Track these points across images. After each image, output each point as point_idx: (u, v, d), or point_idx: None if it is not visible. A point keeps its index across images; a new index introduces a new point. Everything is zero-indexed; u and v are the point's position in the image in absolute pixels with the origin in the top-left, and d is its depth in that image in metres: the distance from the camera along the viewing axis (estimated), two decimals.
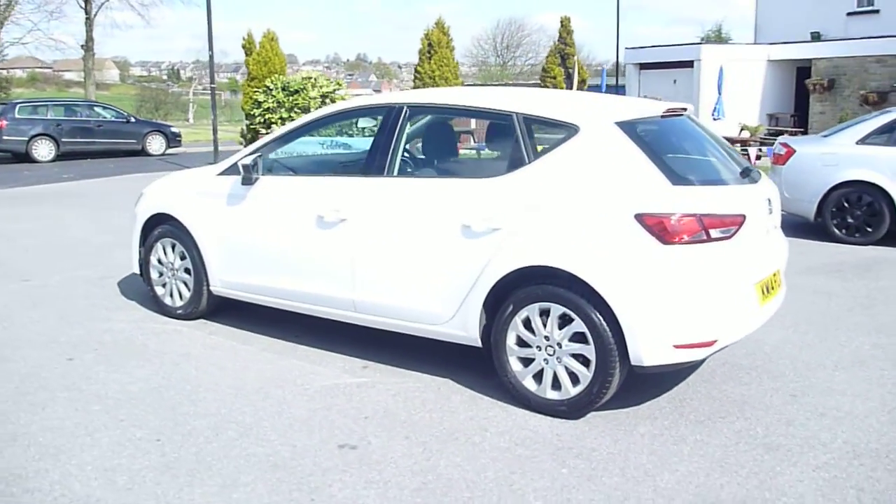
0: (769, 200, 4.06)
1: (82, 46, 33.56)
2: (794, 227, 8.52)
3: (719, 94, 18.54)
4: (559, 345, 3.71)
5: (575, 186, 3.69)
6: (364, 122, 6.73)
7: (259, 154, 4.73)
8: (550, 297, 3.69)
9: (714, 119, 18.96)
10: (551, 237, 3.67)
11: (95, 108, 21.35)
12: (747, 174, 4.02)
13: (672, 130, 4.05)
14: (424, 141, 4.64)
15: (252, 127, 17.11)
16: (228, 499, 3.03)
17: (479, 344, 4.00)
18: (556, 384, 3.75)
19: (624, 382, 3.73)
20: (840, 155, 8.22)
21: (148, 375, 4.32)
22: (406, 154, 4.45)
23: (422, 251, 4.05)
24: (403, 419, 3.76)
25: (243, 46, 18.52)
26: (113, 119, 21.10)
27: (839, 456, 3.39)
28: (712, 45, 26.12)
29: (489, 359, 4.00)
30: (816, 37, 22.06)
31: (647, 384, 4.09)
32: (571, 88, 20.90)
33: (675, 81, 22.27)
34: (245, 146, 17.74)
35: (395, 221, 4.15)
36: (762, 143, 16.20)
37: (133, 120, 21.87)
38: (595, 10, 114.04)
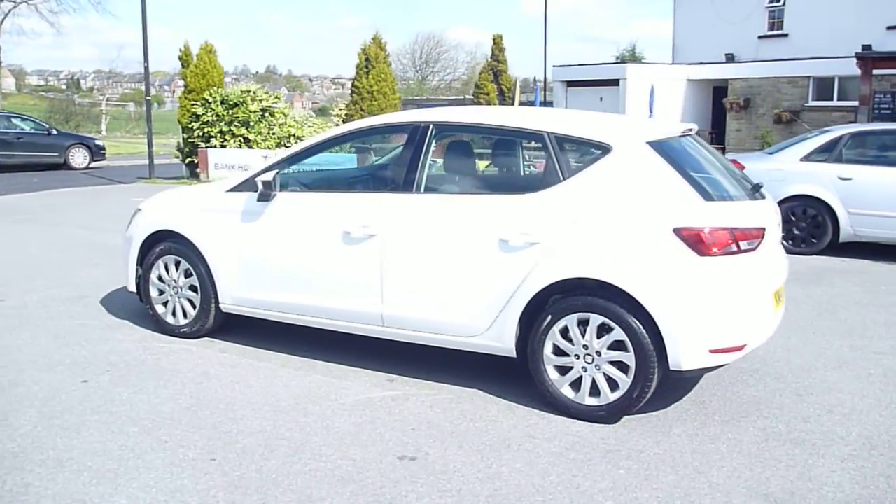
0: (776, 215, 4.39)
1: None
2: None
3: (651, 112, 19.36)
4: (598, 353, 3.89)
5: (612, 202, 3.89)
6: (354, 140, 6.75)
7: (277, 171, 4.72)
8: (589, 307, 3.87)
9: None
10: (592, 250, 3.85)
11: (13, 120, 20.37)
12: (757, 190, 4.33)
13: (688, 149, 4.32)
14: (452, 158, 4.73)
15: (190, 140, 16.70)
16: None
17: (513, 354, 4.14)
18: (594, 390, 3.94)
19: None
20: (785, 171, 8.83)
21: (174, 395, 4.25)
22: (434, 171, 4.54)
23: (456, 265, 4.16)
24: (450, 430, 3.85)
25: (180, 58, 18.09)
26: (32, 131, 20.19)
27: (859, 448, 3.70)
28: (637, 64, 27.30)
29: (522, 368, 4.14)
30: (731, 58, 23.39)
31: (665, 389, 4.32)
32: (513, 104, 21.30)
33: (601, 99, 23.09)
34: (182, 160, 17.47)
35: (428, 236, 4.24)
36: None
37: (55, 132, 20.98)
38: (509, 26, 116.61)
